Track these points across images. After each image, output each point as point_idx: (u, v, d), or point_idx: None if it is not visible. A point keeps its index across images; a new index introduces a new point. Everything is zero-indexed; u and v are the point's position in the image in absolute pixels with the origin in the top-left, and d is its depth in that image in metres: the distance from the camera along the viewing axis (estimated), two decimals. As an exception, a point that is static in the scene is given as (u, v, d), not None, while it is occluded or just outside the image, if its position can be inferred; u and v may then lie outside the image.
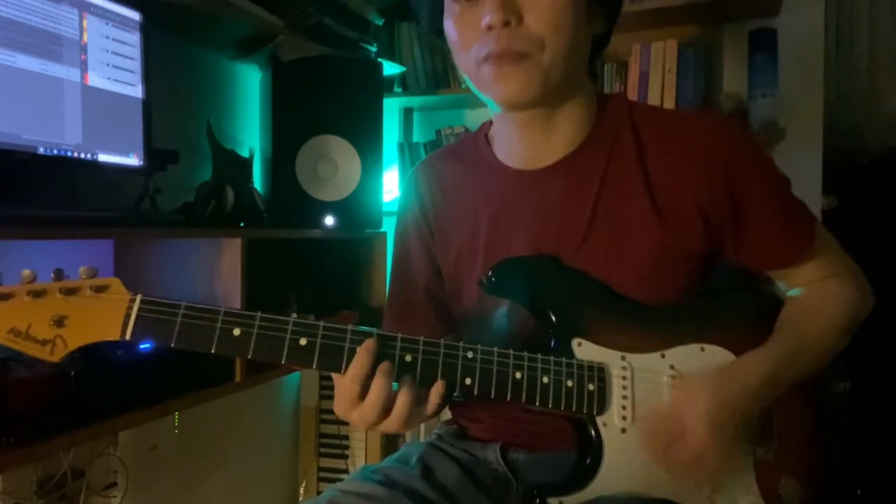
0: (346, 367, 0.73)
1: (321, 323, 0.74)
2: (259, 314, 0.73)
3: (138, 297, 0.71)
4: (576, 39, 0.83)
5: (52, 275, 0.70)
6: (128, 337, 0.70)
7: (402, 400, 0.74)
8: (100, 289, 0.70)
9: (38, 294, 0.68)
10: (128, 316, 0.70)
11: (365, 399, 0.74)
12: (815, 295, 0.90)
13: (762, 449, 0.84)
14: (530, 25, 0.80)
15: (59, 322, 0.68)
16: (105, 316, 0.70)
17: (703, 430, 0.75)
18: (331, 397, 2.17)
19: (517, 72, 0.82)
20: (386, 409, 0.74)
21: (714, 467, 0.78)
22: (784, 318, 0.88)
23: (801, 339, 0.85)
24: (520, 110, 0.88)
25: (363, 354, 0.73)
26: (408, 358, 0.75)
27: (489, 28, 0.80)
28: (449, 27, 0.87)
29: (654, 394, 0.81)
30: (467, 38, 0.84)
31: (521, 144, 0.93)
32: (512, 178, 0.94)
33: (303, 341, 0.73)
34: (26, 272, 0.69)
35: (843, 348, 0.89)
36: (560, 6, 0.80)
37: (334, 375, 0.76)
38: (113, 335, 0.70)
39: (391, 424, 0.75)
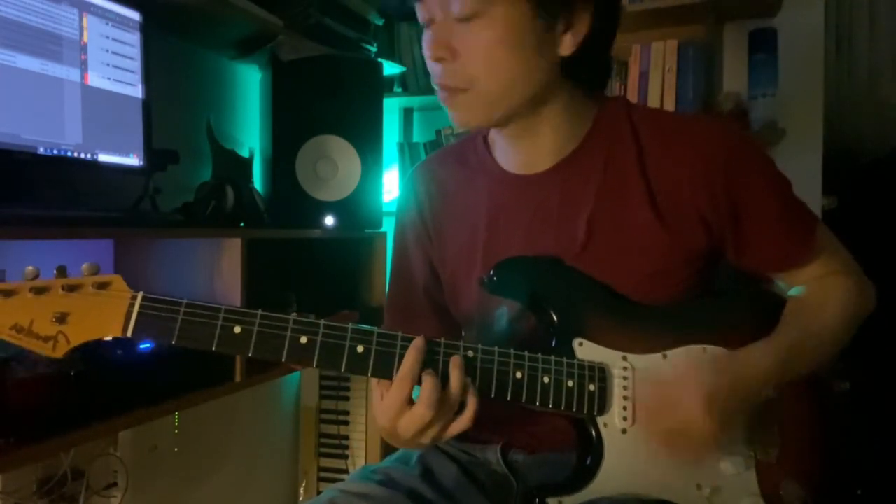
0: (346, 365, 0.73)
1: (322, 321, 0.74)
2: (260, 312, 0.73)
3: (140, 295, 0.71)
4: (515, 72, 0.81)
5: (54, 272, 0.70)
6: (129, 334, 0.70)
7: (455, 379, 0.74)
8: (102, 286, 0.70)
9: (40, 291, 0.69)
10: (129, 313, 0.70)
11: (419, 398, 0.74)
12: (819, 291, 0.90)
13: (764, 451, 0.84)
14: (463, 64, 0.81)
15: (62, 318, 0.69)
16: (107, 313, 0.70)
17: (702, 413, 0.74)
18: (331, 397, 2.18)
19: (458, 103, 0.84)
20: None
21: (713, 452, 0.78)
22: (789, 311, 0.88)
23: (806, 332, 0.85)
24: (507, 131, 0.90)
25: (414, 353, 0.73)
26: None
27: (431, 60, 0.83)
28: None
29: (656, 394, 0.81)
30: (427, 61, 0.87)
31: (512, 150, 0.94)
32: (509, 182, 0.94)
33: (303, 339, 0.73)
34: (29, 269, 0.69)
35: (847, 342, 0.89)
36: (491, 46, 0.79)
37: (378, 383, 0.76)
38: (115, 332, 0.70)
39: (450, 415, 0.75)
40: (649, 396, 0.80)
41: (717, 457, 0.82)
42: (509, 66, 0.81)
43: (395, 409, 0.74)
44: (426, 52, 0.84)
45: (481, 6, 0.78)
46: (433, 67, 0.85)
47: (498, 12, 0.78)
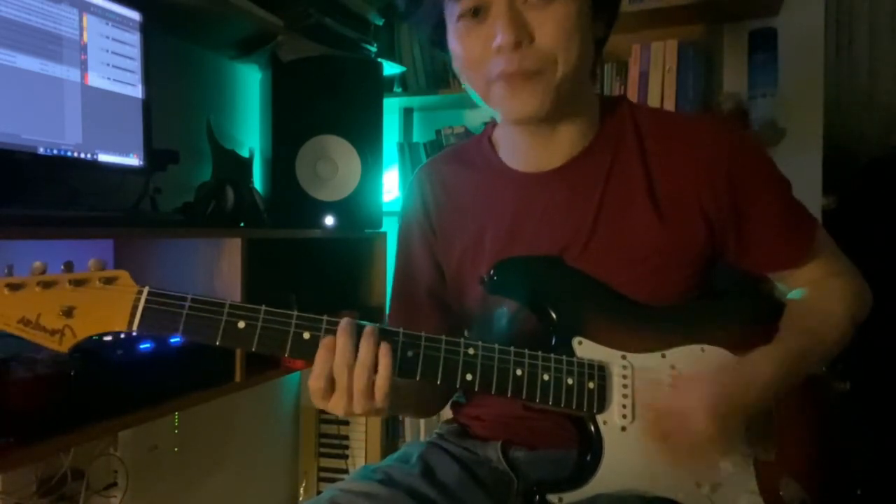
0: None
1: (324, 317, 0.74)
2: (264, 308, 0.73)
3: (146, 289, 0.71)
4: (585, 50, 0.83)
5: (62, 267, 0.71)
6: (135, 328, 0.70)
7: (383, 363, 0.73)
8: (108, 280, 0.71)
9: (48, 285, 0.69)
10: (135, 307, 0.71)
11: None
12: (819, 293, 0.90)
13: (763, 449, 0.84)
14: (542, 43, 0.80)
15: (69, 312, 0.69)
16: (113, 307, 0.70)
17: (705, 419, 0.75)
18: (331, 397, 2.17)
19: (530, 89, 0.82)
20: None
21: (713, 457, 0.78)
22: (790, 315, 0.88)
23: (810, 338, 0.85)
24: (530, 124, 0.88)
25: (323, 352, 0.73)
26: (409, 353, 0.76)
27: (500, 49, 0.80)
28: (455, 45, 0.86)
29: (655, 393, 0.81)
30: (476, 57, 0.83)
31: (525, 148, 0.94)
32: (516, 181, 0.94)
33: (306, 335, 0.73)
34: (37, 263, 0.70)
35: (845, 344, 0.89)
36: (570, 20, 0.80)
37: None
38: (120, 326, 0.70)
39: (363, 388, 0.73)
40: (649, 395, 0.80)
41: (716, 455, 0.82)
42: (581, 45, 0.82)
43: (318, 397, 0.75)
44: (497, 41, 0.79)
45: None
46: (497, 57, 0.80)
47: None
